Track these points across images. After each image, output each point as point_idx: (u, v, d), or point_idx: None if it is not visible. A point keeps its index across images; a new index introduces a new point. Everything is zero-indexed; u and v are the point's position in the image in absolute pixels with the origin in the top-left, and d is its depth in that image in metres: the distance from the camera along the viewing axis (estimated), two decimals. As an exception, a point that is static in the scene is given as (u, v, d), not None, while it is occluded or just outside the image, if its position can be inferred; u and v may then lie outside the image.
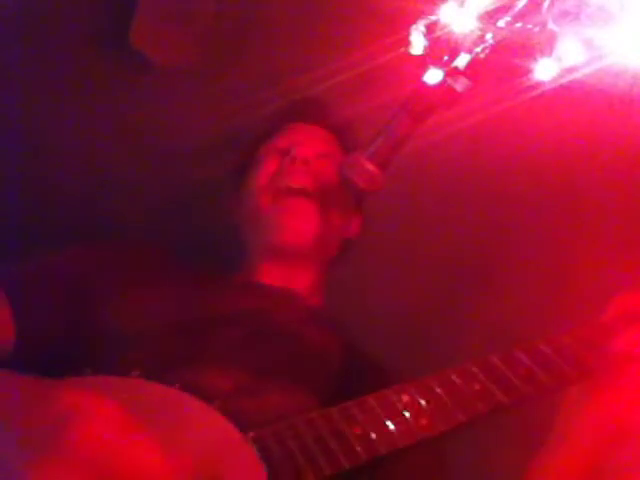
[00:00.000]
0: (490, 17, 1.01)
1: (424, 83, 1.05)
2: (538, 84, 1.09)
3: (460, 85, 1.03)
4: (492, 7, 1.02)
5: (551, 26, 1.02)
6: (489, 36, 1.02)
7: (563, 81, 1.09)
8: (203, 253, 1.34)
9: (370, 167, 1.09)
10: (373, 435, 0.80)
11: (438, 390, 0.84)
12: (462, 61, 1.03)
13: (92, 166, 1.62)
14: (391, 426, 0.81)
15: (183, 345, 0.99)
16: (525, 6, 1.00)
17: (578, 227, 1.64)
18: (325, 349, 1.08)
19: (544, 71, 1.08)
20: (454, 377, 0.85)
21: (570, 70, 1.07)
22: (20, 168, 1.59)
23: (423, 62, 1.06)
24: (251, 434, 0.79)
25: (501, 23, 1.01)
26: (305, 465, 0.77)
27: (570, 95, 1.19)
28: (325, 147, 1.29)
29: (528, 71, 1.08)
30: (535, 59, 1.07)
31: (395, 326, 1.50)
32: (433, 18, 1.06)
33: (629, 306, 0.89)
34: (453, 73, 1.04)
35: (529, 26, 1.01)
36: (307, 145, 1.26)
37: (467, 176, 1.63)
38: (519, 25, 1.01)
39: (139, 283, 1.09)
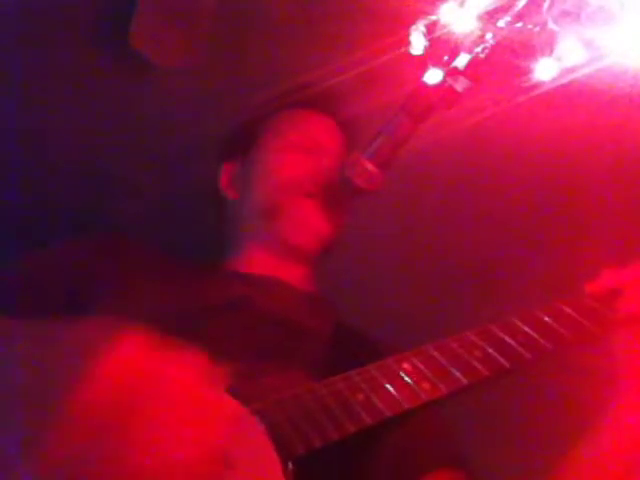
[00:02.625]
0: (490, 17, 1.02)
1: (424, 83, 1.06)
2: (538, 84, 1.09)
3: (460, 85, 1.04)
4: (492, 7, 1.02)
5: (551, 26, 1.02)
6: (489, 36, 1.02)
7: (563, 81, 1.09)
8: (203, 253, 1.34)
9: (370, 167, 1.10)
10: (376, 400, 0.81)
11: (439, 357, 0.85)
12: (462, 61, 1.04)
13: (92, 166, 1.62)
14: (393, 391, 0.82)
15: (179, 336, 1.00)
16: (525, 6, 1.00)
17: (578, 227, 1.64)
18: (316, 330, 1.10)
19: (544, 71, 1.08)
20: (454, 345, 0.86)
21: (570, 70, 1.08)
22: (20, 168, 1.59)
23: (423, 62, 1.06)
24: (254, 406, 0.79)
25: (501, 23, 1.01)
26: (311, 432, 0.78)
27: (570, 95, 1.19)
28: (339, 150, 1.30)
29: (528, 71, 1.08)
30: (535, 59, 1.07)
31: (395, 323, 1.50)
32: (433, 18, 1.06)
33: (619, 280, 0.91)
34: (453, 73, 1.04)
35: (529, 26, 1.02)
36: (331, 153, 1.27)
37: (467, 175, 1.63)
38: (519, 25, 1.01)
39: (133, 277, 1.12)
